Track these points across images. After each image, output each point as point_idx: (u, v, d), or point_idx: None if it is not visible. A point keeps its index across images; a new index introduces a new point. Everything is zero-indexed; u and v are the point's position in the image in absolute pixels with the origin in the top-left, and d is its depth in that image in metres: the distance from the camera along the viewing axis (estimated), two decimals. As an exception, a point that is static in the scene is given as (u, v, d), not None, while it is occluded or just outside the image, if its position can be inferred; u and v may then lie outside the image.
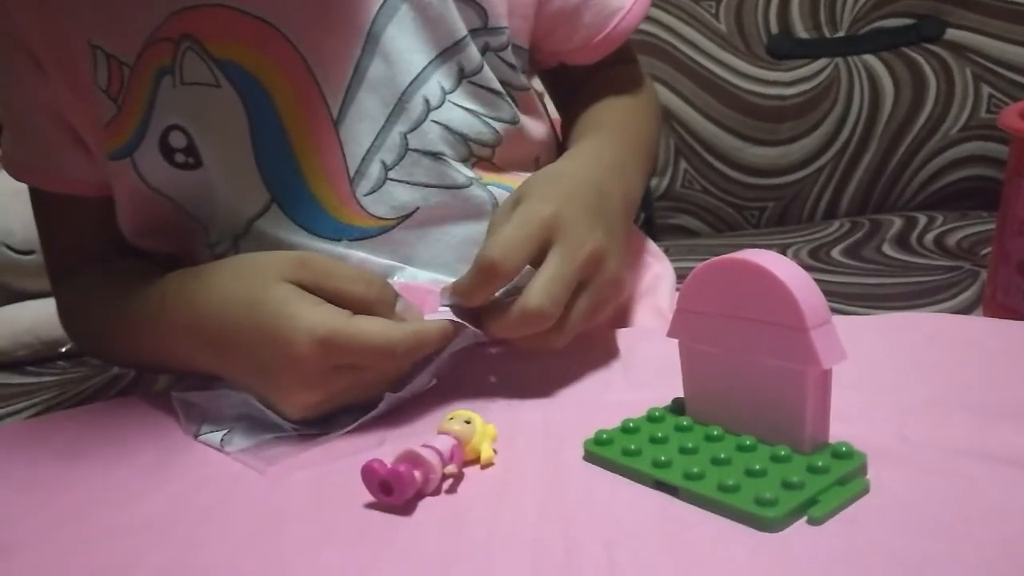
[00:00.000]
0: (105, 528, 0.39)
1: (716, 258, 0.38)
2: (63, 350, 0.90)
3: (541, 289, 0.44)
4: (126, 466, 0.45)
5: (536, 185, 0.49)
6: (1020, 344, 0.46)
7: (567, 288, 0.45)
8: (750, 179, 1.22)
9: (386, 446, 0.43)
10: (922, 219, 1.10)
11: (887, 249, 1.01)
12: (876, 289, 0.89)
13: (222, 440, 0.45)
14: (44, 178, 0.60)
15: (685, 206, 1.24)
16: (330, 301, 0.44)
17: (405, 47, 0.52)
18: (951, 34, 1.19)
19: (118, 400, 0.55)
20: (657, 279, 0.70)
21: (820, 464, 0.35)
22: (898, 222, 1.10)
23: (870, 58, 1.21)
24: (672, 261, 1.06)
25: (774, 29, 1.22)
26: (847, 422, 0.38)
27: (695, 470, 0.36)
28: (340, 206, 0.53)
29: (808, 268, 1.01)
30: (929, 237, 1.03)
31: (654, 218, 1.24)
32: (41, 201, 0.62)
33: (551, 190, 0.48)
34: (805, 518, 0.33)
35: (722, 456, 0.36)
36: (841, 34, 1.22)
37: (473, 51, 0.53)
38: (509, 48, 0.55)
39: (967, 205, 1.18)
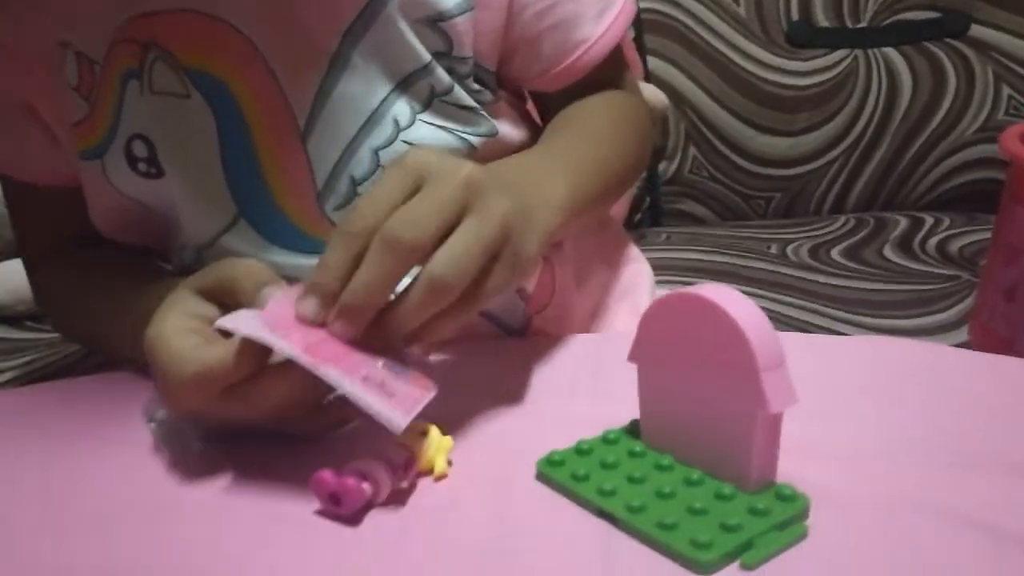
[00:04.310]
0: (75, 508, 0.40)
1: (677, 291, 0.38)
2: (60, 308, 0.91)
3: (445, 259, 0.38)
4: (117, 443, 0.46)
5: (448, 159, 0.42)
6: (991, 385, 0.46)
7: (476, 257, 0.39)
8: (759, 169, 1.21)
9: (339, 454, 0.43)
10: (928, 221, 1.09)
11: (888, 252, 1.00)
12: (872, 295, 0.89)
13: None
14: (14, 169, 0.60)
15: (692, 192, 1.23)
16: (224, 297, 0.43)
17: (372, 73, 0.52)
18: (976, 30, 1.17)
19: (108, 375, 0.56)
20: (636, 277, 0.69)
21: (761, 507, 0.35)
22: (903, 222, 1.09)
23: (890, 51, 1.18)
24: (672, 250, 1.07)
25: (795, 16, 1.20)
26: (796, 457, 0.38)
27: (636, 503, 0.36)
28: (309, 221, 0.53)
29: (807, 268, 1.02)
30: (932, 242, 1.02)
31: (660, 202, 1.24)
32: (12, 189, 0.62)
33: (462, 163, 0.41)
34: (738, 562, 0.33)
35: (667, 490, 0.37)
36: (863, 24, 1.20)
37: (441, 73, 0.52)
38: (471, 78, 0.54)
39: (977, 207, 1.16)
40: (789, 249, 1.03)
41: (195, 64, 0.51)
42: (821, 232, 1.09)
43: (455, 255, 0.39)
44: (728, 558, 0.33)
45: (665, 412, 0.40)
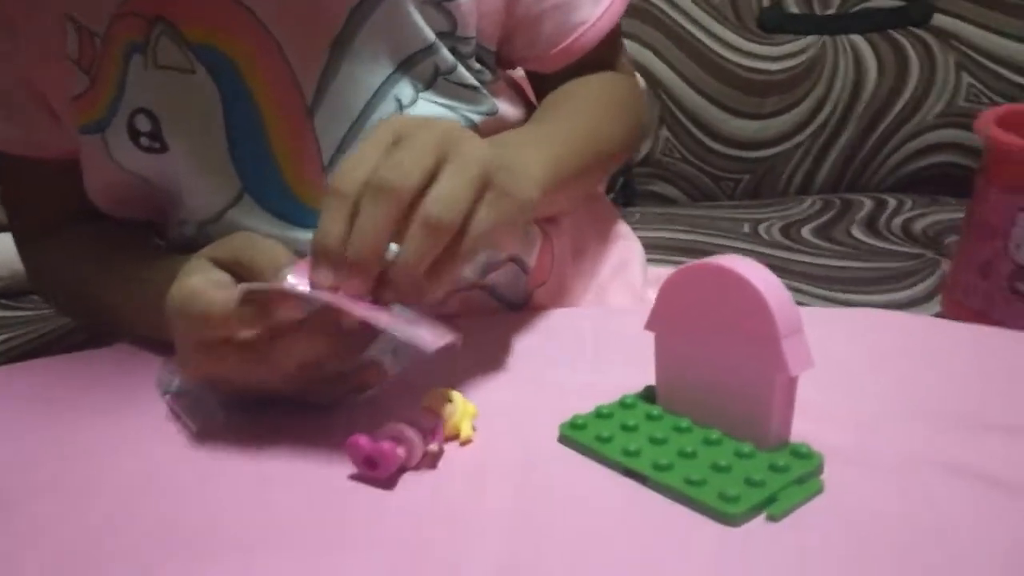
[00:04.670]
0: (112, 478, 0.41)
1: (697, 261, 0.40)
2: (39, 285, 0.90)
3: (436, 197, 0.40)
4: (131, 415, 0.46)
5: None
6: (981, 353, 0.49)
7: (464, 190, 0.40)
8: (729, 151, 1.24)
9: (363, 420, 0.43)
10: (891, 202, 1.13)
11: (856, 232, 1.04)
12: (842, 272, 0.92)
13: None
14: (9, 143, 0.59)
15: (663, 173, 1.25)
16: (241, 272, 0.43)
17: (377, 51, 0.52)
18: (938, 20, 1.21)
19: (116, 347, 0.56)
20: (628, 254, 0.71)
21: (781, 463, 0.37)
22: (868, 204, 1.13)
23: (857, 38, 1.22)
24: (647, 230, 1.09)
25: (766, 2, 1.23)
26: (807, 420, 0.40)
27: (664, 461, 0.38)
28: (316, 196, 0.53)
29: (779, 247, 1.05)
30: (897, 222, 1.06)
31: (634, 183, 1.26)
32: (5, 163, 0.61)
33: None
34: (764, 514, 0.36)
35: (689, 449, 0.39)
36: (832, 11, 1.23)
37: (446, 53, 0.53)
38: (474, 57, 0.55)
39: (937, 189, 1.21)
40: (761, 228, 1.06)
41: (200, 39, 0.51)
42: (791, 212, 1.12)
43: (443, 194, 0.40)
44: (754, 511, 0.35)
45: (683, 377, 0.41)
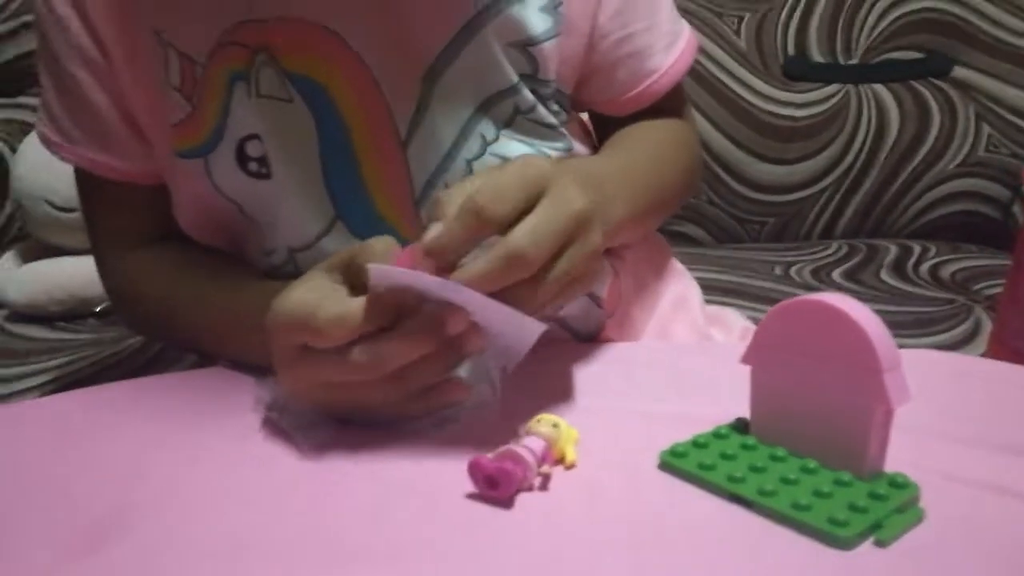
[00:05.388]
0: (213, 497, 0.42)
1: (796, 298, 0.42)
2: (98, 310, 0.92)
3: (526, 231, 0.42)
4: (237, 432, 0.48)
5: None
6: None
7: (553, 237, 0.43)
8: (755, 194, 1.27)
9: (469, 441, 0.46)
10: (916, 248, 1.16)
11: (885, 276, 1.07)
12: (879, 316, 0.95)
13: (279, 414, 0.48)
14: (95, 164, 0.60)
15: (689, 214, 1.29)
16: (348, 271, 0.46)
17: (462, 89, 0.55)
18: (958, 72, 1.25)
19: (209, 370, 0.58)
20: (686, 291, 0.74)
21: (880, 492, 0.39)
22: (893, 249, 1.16)
23: (880, 88, 1.26)
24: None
25: (791, 50, 1.27)
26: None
27: (768, 487, 0.40)
28: (407, 226, 0.56)
29: (812, 289, 1.08)
30: (924, 268, 1.09)
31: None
32: (89, 184, 0.63)
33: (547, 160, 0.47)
34: (871, 540, 0.37)
35: (791, 476, 0.41)
36: (855, 61, 1.27)
37: (527, 93, 0.56)
38: (553, 99, 0.58)
39: (957, 237, 1.24)
40: (792, 271, 1.09)
41: (298, 69, 0.54)
42: (818, 256, 1.15)
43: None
44: (863, 536, 0.37)
45: (779, 409, 0.44)
